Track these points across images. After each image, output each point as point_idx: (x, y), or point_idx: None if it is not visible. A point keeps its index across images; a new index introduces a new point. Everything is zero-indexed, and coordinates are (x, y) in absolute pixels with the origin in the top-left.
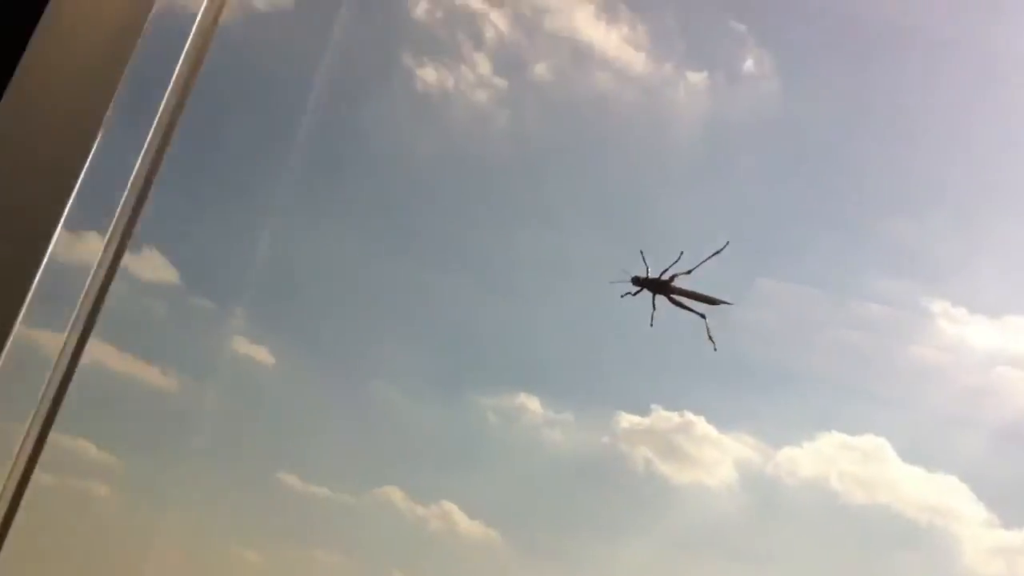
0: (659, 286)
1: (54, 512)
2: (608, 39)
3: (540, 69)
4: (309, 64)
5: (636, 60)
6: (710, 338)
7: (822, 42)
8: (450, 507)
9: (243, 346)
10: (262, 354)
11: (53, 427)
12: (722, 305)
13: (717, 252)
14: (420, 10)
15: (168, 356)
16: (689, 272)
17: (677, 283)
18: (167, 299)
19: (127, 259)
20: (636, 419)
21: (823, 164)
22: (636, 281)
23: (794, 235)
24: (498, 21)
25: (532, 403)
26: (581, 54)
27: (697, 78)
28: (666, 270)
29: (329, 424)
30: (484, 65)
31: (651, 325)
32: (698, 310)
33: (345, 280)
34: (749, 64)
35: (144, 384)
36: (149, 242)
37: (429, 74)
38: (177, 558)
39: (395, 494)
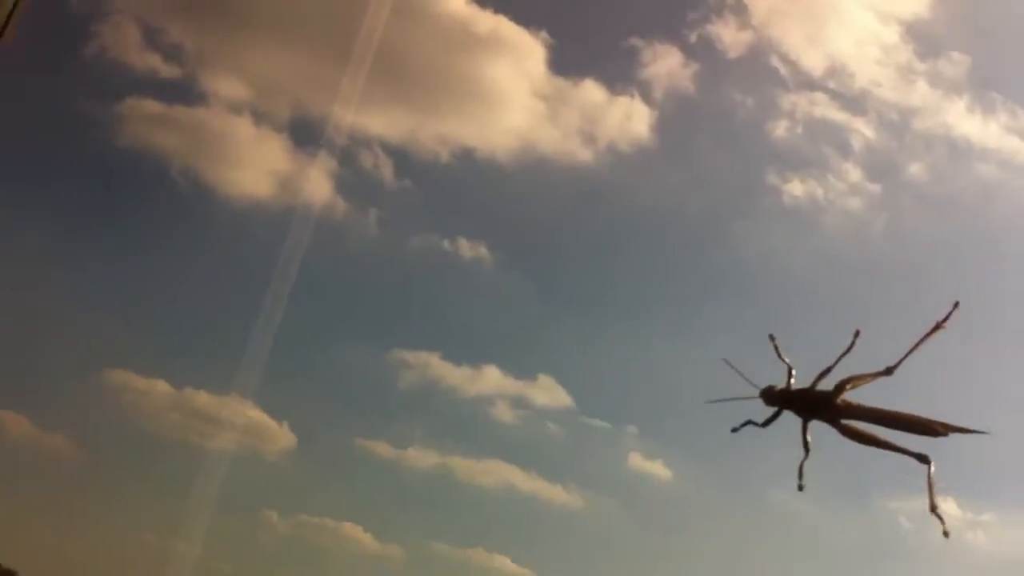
0: (813, 404)
1: None
2: (986, 130)
3: (915, 169)
4: (676, 195)
5: (1022, 148)
6: (935, 511)
7: None
8: None
9: (639, 462)
10: (658, 469)
11: (476, 545)
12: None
13: (940, 324)
14: (781, 129)
15: (569, 475)
16: (889, 371)
17: (851, 397)
18: (564, 422)
19: (524, 387)
20: None
21: None
22: (769, 397)
23: None
24: (864, 128)
25: (948, 506)
26: (957, 149)
27: None
28: (827, 371)
29: (730, 535)
30: (854, 173)
31: (800, 487)
32: (913, 450)
33: (723, 392)
34: None
35: (551, 502)
36: (544, 371)
37: (796, 188)
38: None
39: None
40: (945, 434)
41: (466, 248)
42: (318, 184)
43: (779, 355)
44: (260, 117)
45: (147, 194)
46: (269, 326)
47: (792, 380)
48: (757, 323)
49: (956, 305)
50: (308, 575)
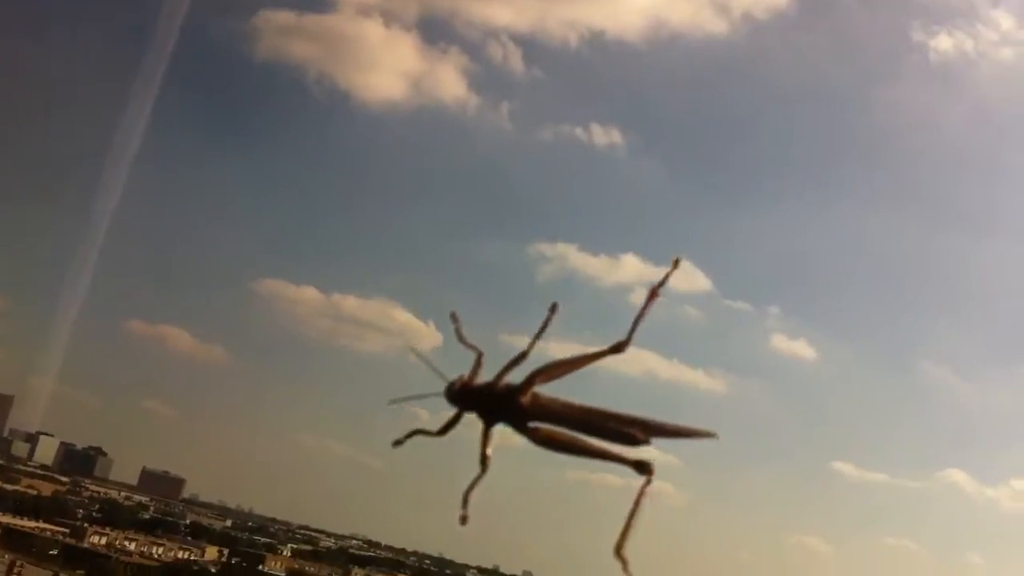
0: (496, 403)
1: (625, 510)
2: None
3: None
4: (816, 62)
5: None
6: (620, 552)
7: None
8: (1023, 485)
9: (782, 343)
10: (802, 349)
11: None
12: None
13: (655, 292)
14: None
15: (711, 359)
16: (619, 349)
17: (547, 389)
18: (703, 306)
19: (663, 273)
20: None
21: None
22: (451, 395)
23: None
24: None
25: None
26: None
27: None
28: (523, 355)
29: (879, 411)
30: (1006, 21)
31: (462, 519)
32: (628, 456)
33: (874, 263)
34: None
35: (693, 387)
36: (681, 255)
37: (943, 42)
38: (746, 549)
39: (959, 476)
40: (647, 442)
41: (599, 134)
42: (450, 81)
43: (460, 338)
44: (389, 17)
45: (287, 106)
46: (412, 228)
47: (480, 370)
48: (908, 193)
49: (676, 264)
50: (464, 473)
